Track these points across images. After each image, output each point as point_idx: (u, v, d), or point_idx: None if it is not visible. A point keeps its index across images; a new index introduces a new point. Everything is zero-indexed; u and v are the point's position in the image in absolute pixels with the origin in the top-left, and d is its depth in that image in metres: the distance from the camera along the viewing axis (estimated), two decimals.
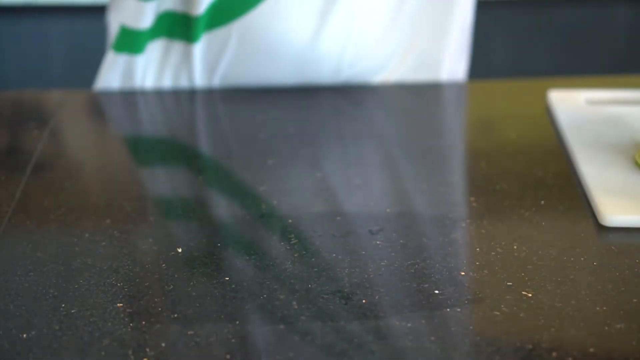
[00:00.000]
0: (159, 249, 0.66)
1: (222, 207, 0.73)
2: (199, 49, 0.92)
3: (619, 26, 2.06)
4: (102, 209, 0.72)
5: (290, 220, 0.69)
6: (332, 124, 0.89)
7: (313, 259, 0.64)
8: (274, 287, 0.61)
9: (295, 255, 0.65)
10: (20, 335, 0.57)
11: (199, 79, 0.94)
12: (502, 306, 0.60)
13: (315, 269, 0.63)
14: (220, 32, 0.92)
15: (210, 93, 0.93)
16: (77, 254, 0.66)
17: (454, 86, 0.97)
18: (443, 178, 0.76)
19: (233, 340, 0.57)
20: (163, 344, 0.57)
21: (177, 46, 0.94)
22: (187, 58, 0.93)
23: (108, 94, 0.96)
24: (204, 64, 0.93)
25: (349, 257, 0.64)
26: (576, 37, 1.96)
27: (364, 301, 0.60)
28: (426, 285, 0.62)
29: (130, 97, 0.95)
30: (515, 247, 0.66)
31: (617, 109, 0.86)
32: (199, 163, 0.79)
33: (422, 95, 0.95)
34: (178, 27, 0.92)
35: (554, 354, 0.56)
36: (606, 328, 0.58)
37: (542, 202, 0.72)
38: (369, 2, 0.92)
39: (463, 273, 0.63)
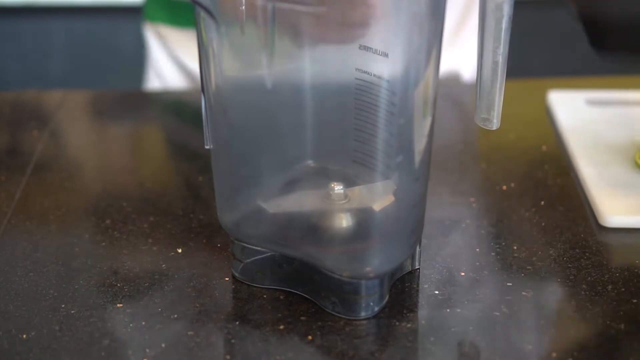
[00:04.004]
0: (159, 249, 0.66)
1: None
2: None
3: None
4: (102, 209, 0.72)
5: None
6: None
7: None
8: (274, 287, 0.61)
9: None
10: (20, 335, 0.57)
11: None
12: (503, 306, 0.60)
13: None
14: None
15: None
16: (77, 254, 0.66)
17: (454, 86, 0.97)
18: (443, 178, 0.76)
19: (233, 341, 0.57)
20: (163, 344, 0.57)
21: None
22: None
23: (108, 94, 0.96)
24: None
25: None
26: (576, 37, 1.96)
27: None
28: (426, 286, 0.62)
29: (130, 96, 0.95)
30: (515, 247, 0.66)
31: (617, 109, 0.86)
32: (199, 163, 0.79)
33: None
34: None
35: (554, 354, 0.56)
36: (606, 328, 0.58)
37: (542, 202, 0.72)
38: None
39: (463, 273, 0.63)
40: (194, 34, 0.57)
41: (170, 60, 1.06)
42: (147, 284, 0.62)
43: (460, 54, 1.02)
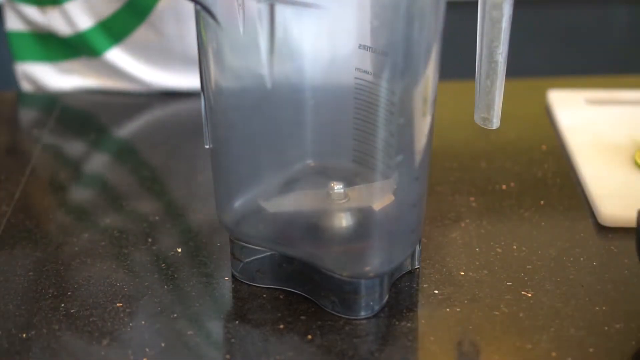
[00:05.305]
0: (159, 249, 0.66)
1: None
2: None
3: (619, 26, 2.06)
4: (102, 209, 0.72)
5: None
6: None
7: None
8: (273, 287, 0.61)
9: None
10: (20, 335, 0.57)
11: None
12: (502, 306, 0.60)
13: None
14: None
15: None
16: (77, 254, 0.66)
17: (454, 85, 0.97)
18: (443, 178, 0.76)
19: (233, 340, 0.57)
20: (163, 344, 0.57)
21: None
22: None
23: (107, 94, 0.96)
24: None
25: None
26: (576, 37, 1.96)
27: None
28: (426, 285, 0.62)
29: (130, 96, 0.95)
30: (515, 247, 0.66)
31: (617, 109, 0.86)
32: (199, 163, 0.79)
33: None
34: None
35: (554, 354, 0.56)
36: (606, 328, 0.58)
37: (542, 202, 0.72)
38: None
39: (463, 273, 0.63)
40: None
41: None
42: (147, 284, 0.62)
43: None
